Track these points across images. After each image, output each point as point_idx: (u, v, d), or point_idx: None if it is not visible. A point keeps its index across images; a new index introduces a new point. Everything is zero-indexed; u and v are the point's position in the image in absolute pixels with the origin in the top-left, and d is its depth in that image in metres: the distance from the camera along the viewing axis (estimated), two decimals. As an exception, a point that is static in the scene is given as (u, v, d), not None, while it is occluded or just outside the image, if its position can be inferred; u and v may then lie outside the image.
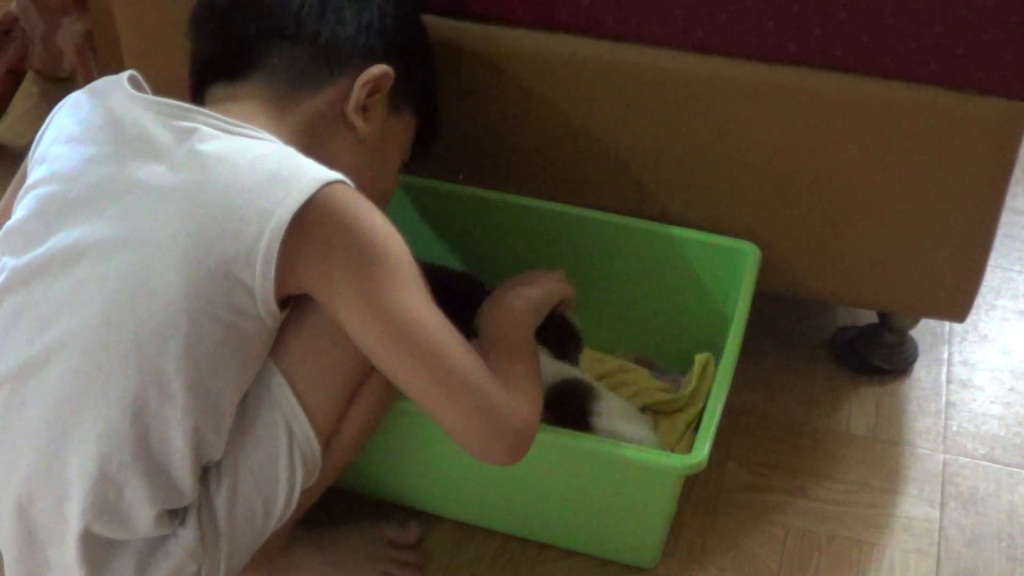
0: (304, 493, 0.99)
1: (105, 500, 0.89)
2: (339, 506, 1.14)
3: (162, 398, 0.87)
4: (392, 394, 1.01)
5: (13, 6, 1.73)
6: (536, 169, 1.30)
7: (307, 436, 0.95)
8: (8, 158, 1.73)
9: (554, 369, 1.13)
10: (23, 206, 0.93)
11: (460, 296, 1.19)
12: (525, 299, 1.08)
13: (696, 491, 1.22)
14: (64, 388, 0.88)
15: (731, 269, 1.23)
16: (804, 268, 1.28)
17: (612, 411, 1.12)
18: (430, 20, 1.17)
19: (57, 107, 0.98)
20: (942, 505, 1.23)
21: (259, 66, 0.99)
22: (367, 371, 0.97)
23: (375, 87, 1.01)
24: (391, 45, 1.03)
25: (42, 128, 0.97)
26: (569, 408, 1.10)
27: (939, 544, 1.18)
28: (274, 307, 0.89)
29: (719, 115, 1.20)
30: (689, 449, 1.02)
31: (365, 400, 1.00)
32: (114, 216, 0.88)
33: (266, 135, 0.93)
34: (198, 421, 0.89)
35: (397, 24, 1.05)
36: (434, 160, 1.24)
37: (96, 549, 0.91)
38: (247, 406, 0.93)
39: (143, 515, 0.90)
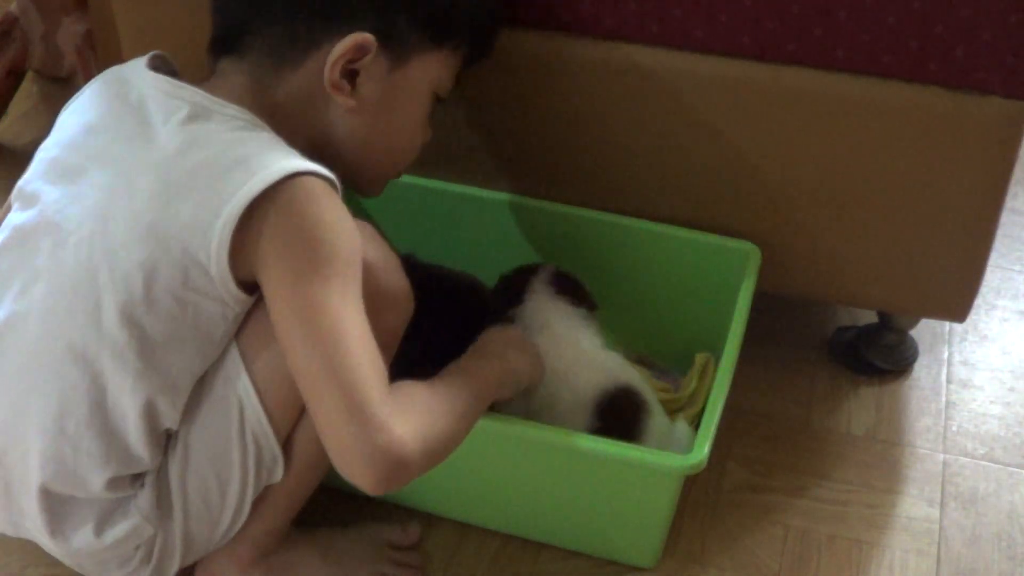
0: (288, 489, 1.00)
1: (61, 457, 0.93)
2: (339, 507, 1.14)
3: (116, 365, 0.91)
4: None
5: (13, 6, 1.73)
6: (536, 169, 1.30)
7: (258, 417, 0.96)
8: (8, 158, 1.73)
9: (614, 374, 1.13)
10: (32, 165, 1.01)
11: (458, 298, 1.20)
12: (513, 367, 1.06)
13: (696, 491, 1.22)
14: (33, 344, 0.93)
15: (731, 269, 1.23)
16: (804, 268, 1.28)
17: (658, 432, 1.11)
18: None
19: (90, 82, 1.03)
20: (942, 505, 1.23)
21: (245, 45, 0.99)
22: None
23: (351, 58, 0.97)
24: (375, 3, 0.99)
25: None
26: (620, 421, 1.10)
27: (939, 544, 1.18)
28: (234, 289, 0.91)
29: (719, 115, 1.20)
30: (689, 449, 1.02)
31: None
32: (96, 185, 0.93)
33: (249, 115, 0.94)
34: (151, 391, 0.92)
35: None
36: (434, 160, 1.24)
37: (56, 503, 0.95)
38: (205, 379, 0.95)
39: (97, 476, 0.93)
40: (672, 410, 1.25)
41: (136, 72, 0.99)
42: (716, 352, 1.17)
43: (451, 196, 1.30)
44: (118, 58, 1.39)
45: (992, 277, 1.54)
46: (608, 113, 1.23)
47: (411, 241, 1.26)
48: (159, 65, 1.00)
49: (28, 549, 1.04)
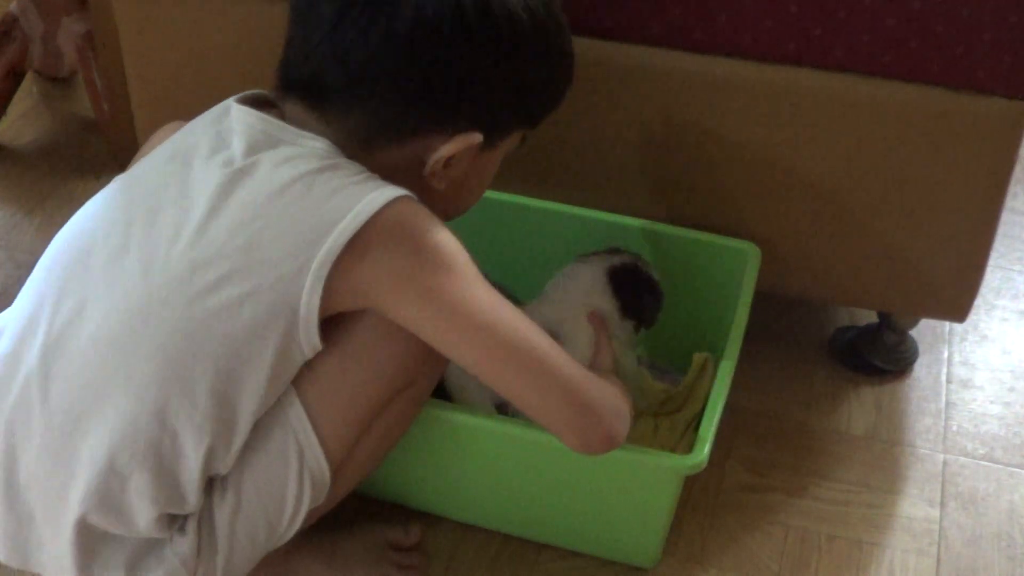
0: (308, 513, 0.99)
1: (108, 491, 0.89)
2: (339, 508, 1.14)
3: (183, 401, 0.88)
4: (405, 422, 1.02)
5: (13, 6, 1.73)
6: (536, 169, 1.30)
7: (318, 462, 0.95)
8: (8, 158, 1.73)
9: None
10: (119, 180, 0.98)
11: None
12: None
13: (696, 491, 1.22)
14: (90, 372, 0.89)
15: (731, 269, 1.23)
16: (804, 268, 1.28)
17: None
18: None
19: None
20: (942, 505, 1.23)
21: (334, 104, 0.93)
22: (385, 404, 0.97)
23: (457, 155, 0.96)
24: (488, 110, 0.96)
25: None
26: None
27: (939, 544, 1.18)
28: (315, 333, 0.89)
29: (719, 115, 1.20)
30: (689, 449, 1.02)
31: (378, 429, 0.99)
32: (161, 220, 0.90)
33: (327, 144, 0.92)
34: (213, 431, 0.89)
35: (509, 92, 0.97)
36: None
37: (90, 538, 0.92)
38: (261, 425, 0.93)
39: (143, 514, 0.90)
40: (672, 410, 1.25)
41: (230, 105, 0.96)
42: (716, 352, 1.17)
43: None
44: (118, 58, 1.39)
45: (992, 277, 1.54)
46: (608, 113, 1.23)
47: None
48: (252, 101, 0.96)
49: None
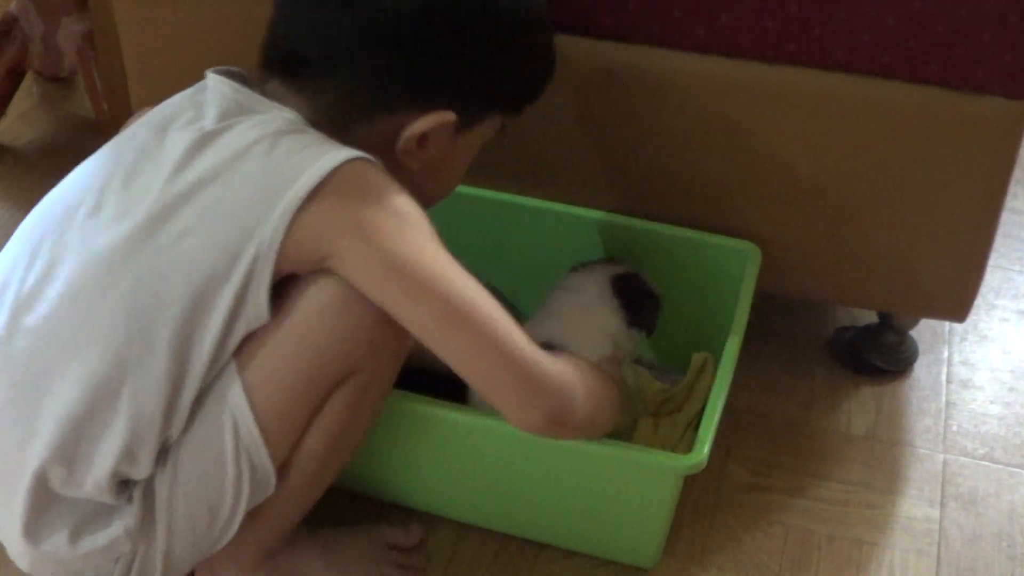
0: (295, 495, 1.00)
1: (68, 442, 0.91)
2: (340, 508, 1.14)
3: (144, 353, 0.90)
4: (362, 414, 1.00)
5: (13, 6, 1.73)
6: (536, 169, 1.30)
7: (254, 439, 0.94)
8: (8, 158, 1.73)
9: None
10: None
11: None
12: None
13: (696, 491, 1.22)
14: (55, 326, 0.91)
15: (731, 269, 1.23)
16: (804, 268, 1.28)
17: None
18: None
19: None
20: (942, 505, 1.23)
21: (311, 79, 0.96)
22: (328, 388, 0.96)
23: (429, 133, 0.97)
24: (463, 90, 0.98)
25: None
26: None
27: (939, 544, 1.18)
28: (266, 293, 0.90)
29: (719, 115, 1.20)
30: (689, 449, 1.02)
31: (329, 418, 0.98)
32: (134, 183, 0.93)
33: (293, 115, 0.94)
34: (168, 389, 0.91)
35: (482, 71, 0.99)
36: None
37: (42, 496, 0.93)
38: (202, 398, 0.93)
39: (99, 467, 0.91)
40: (672, 410, 1.25)
41: (212, 76, 0.98)
42: (716, 352, 1.17)
43: (451, 197, 1.30)
44: (118, 58, 1.39)
45: (992, 277, 1.54)
46: (608, 113, 1.23)
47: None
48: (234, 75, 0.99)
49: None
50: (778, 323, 1.45)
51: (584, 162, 1.28)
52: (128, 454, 0.92)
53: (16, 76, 1.76)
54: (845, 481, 1.25)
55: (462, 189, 1.29)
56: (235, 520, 0.97)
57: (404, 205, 0.92)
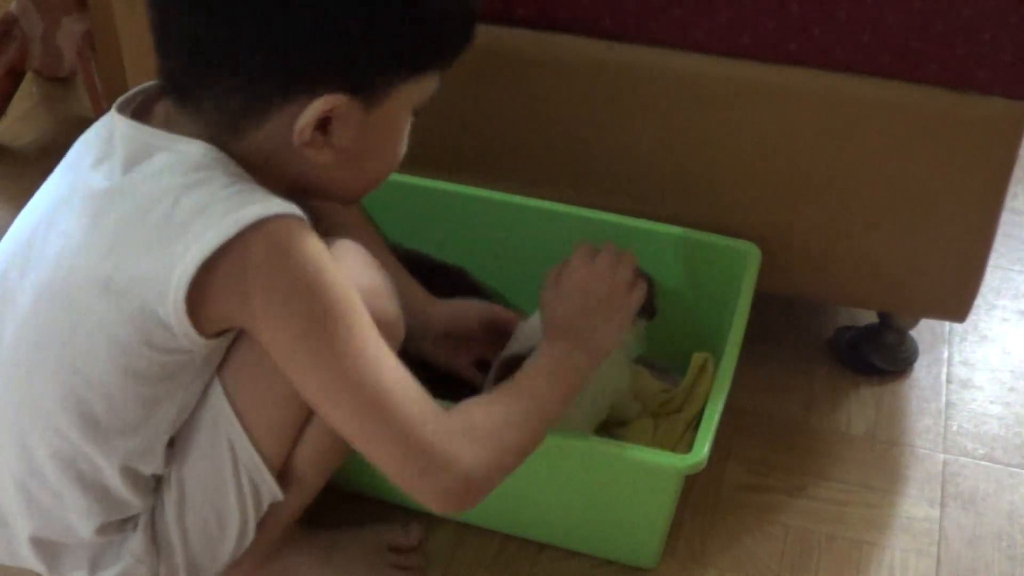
0: (291, 504, 1.00)
1: (46, 508, 0.93)
2: (340, 508, 1.14)
3: (60, 418, 0.89)
4: None
5: (13, 6, 1.73)
6: (536, 169, 1.30)
7: (250, 454, 0.94)
8: (8, 158, 1.73)
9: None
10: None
11: (443, 283, 1.20)
12: (597, 341, 1.00)
13: (696, 491, 1.22)
14: (4, 403, 0.91)
15: (731, 269, 1.23)
16: (804, 268, 1.28)
17: None
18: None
19: None
20: (942, 505, 1.23)
21: (196, 97, 0.87)
22: None
23: (321, 118, 0.87)
24: (338, 63, 0.86)
25: None
26: None
27: (939, 544, 1.18)
28: (198, 339, 0.86)
29: (719, 115, 1.20)
30: (689, 449, 1.02)
31: (319, 425, 0.97)
32: (52, 243, 0.89)
33: (208, 151, 0.87)
34: (124, 458, 0.91)
35: (358, 40, 0.86)
36: (433, 160, 1.24)
37: (48, 548, 0.95)
38: (192, 420, 0.94)
39: (84, 525, 0.93)
40: (672, 410, 1.25)
41: (115, 114, 0.91)
42: (716, 352, 1.17)
43: (450, 196, 1.30)
44: (118, 58, 1.39)
45: (992, 277, 1.54)
46: (607, 113, 1.23)
47: (411, 242, 1.26)
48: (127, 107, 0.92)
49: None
50: (778, 323, 1.45)
51: (584, 162, 1.28)
52: (109, 505, 0.93)
53: (16, 76, 1.76)
54: (845, 481, 1.25)
55: (462, 189, 1.29)
56: (248, 529, 0.98)
57: (330, 283, 0.85)
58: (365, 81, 0.87)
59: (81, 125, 0.98)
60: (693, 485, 1.22)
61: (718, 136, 1.21)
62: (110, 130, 0.90)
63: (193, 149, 0.86)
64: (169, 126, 0.88)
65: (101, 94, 1.66)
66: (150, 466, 0.93)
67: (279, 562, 1.06)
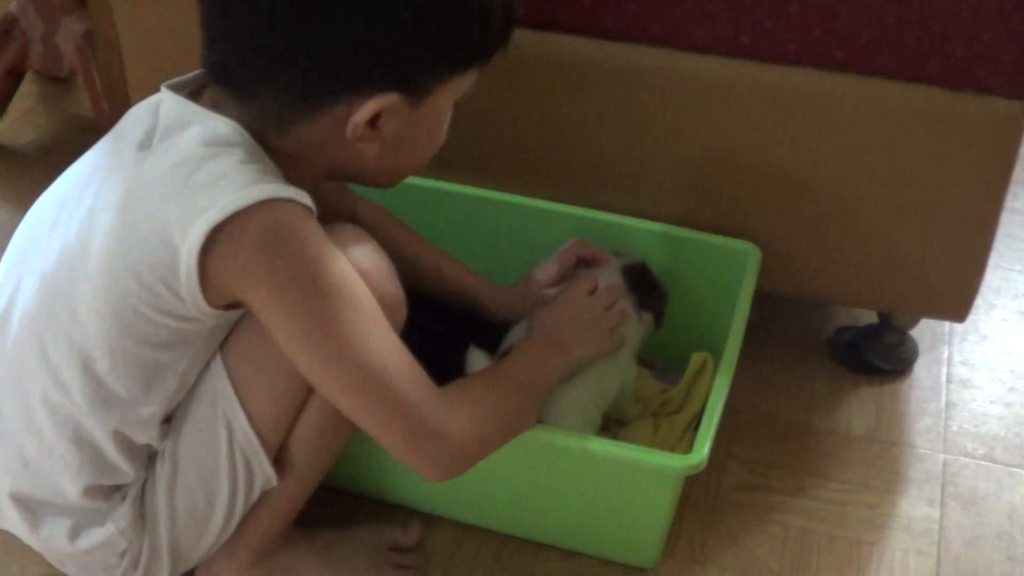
0: (287, 494, 1.01)
1: (35, 462, 0.95)
2: (339, 508, 1.14)
3: (65, 376, 0.92)
4: None
5: (13, 6, 1.73)
6: (536, 169, 1.30)
7: (246, 435, 0.96)
8: (8, 158, 1.73)
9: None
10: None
11: (447, 337, 1.19)
12: (573, 352, 1.08)
13: (696, 491, 1.22)
14: (16, 348, 0.94)
15: (731, 269, 1.23)
16: (804, 268, 1.28)
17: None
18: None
19: None
20: (942, 505, 1.23)
21: (245, 84, 0.92)
22: None
23: (380, 116, 0.92)
24: (391, 63, 0.91)
25: None
26: None
27: (939, 544, 1.18)
28: (204, 306, 0.89)
29: (719, 115, 1.20)
30: (689, 449, 1.02)
31: (318, 408, 0.99)
32: (86, 199, 0.93)
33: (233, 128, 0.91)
34: (118, 423, 0.93)
35: (408, 40, 0.91)
36: (434, 161, 1.24)
37: (30, 505, 0.97)
38: (191, 395, 0.96)
39: (71, 485, 0.95)
40: (671, 410, 1.25)
41: (164, 91, 0.96)
42: (716, 352, 1.17)
43: (451, 196, 1.30)
44: (118, 58, 1.39)
45: (992, 277, 1.54)
46: (608, 113, 1.23)
47: (411, 241, 1.26)
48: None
49: (27, 551, 1.04)
50: (778, 323, 1.45)
51: (584, 162, 1.28)
52: (100, 469, 0.95)
53: (16, 76, 1.76)
54: (845, 481, 1.25)
55: (462, 189, 1.30)
56: (235, 514, 0.99)
57: (329, 267, 0.89)
58: (416, 80, 0.93)
59: (81, 125, 0.98)
60: (693, 485, 1.22)
61: (718, 136, 1.21)
62: (156, 103, 0.95)
63: (221, 125, 0.90)
64: (212, 105, 0.93)
65: (101, 94, 1.66)
66: (143, 436, 0.95)
67: (279, 561, 1.06)
